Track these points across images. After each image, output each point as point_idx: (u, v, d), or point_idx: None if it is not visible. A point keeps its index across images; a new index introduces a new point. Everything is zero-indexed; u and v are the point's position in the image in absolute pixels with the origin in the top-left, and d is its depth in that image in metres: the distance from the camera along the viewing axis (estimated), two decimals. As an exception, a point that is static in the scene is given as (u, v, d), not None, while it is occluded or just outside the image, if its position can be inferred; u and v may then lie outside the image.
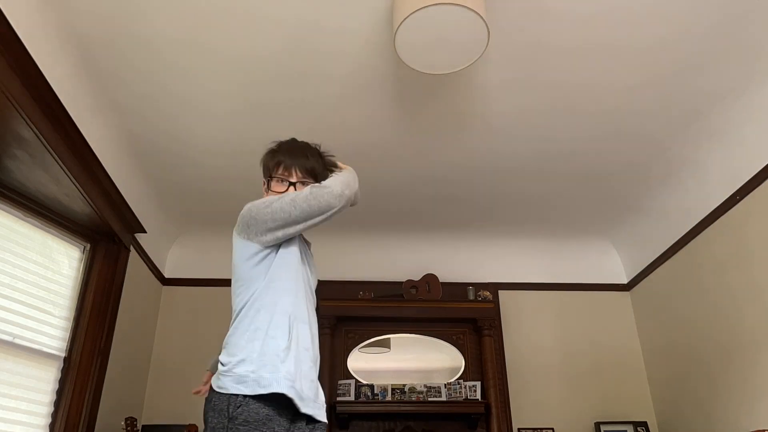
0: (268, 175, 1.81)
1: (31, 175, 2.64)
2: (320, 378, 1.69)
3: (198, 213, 3.90)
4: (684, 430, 3.59)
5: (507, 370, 4.01)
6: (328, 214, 1.64)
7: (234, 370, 1.50)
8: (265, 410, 1.46)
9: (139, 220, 3.40)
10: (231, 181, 3.50)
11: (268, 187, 1.80)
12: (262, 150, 3.34)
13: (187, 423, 3.62)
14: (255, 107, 2.88)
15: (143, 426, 3.58)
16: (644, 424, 3.83)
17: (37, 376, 2.77)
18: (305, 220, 1.63)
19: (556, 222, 4.06)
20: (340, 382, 3.75)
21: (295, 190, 1.73)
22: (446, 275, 4.20)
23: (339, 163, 1.86)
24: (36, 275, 2.82)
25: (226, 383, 1.49)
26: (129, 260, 3.45)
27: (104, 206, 3.02)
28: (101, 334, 3.11)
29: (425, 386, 3.76)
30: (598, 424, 3.81)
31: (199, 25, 2.39)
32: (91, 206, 2.91)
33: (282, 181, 1.76)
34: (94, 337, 3.06)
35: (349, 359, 3.92)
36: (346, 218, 3.93)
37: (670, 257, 3.77)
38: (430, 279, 4.12)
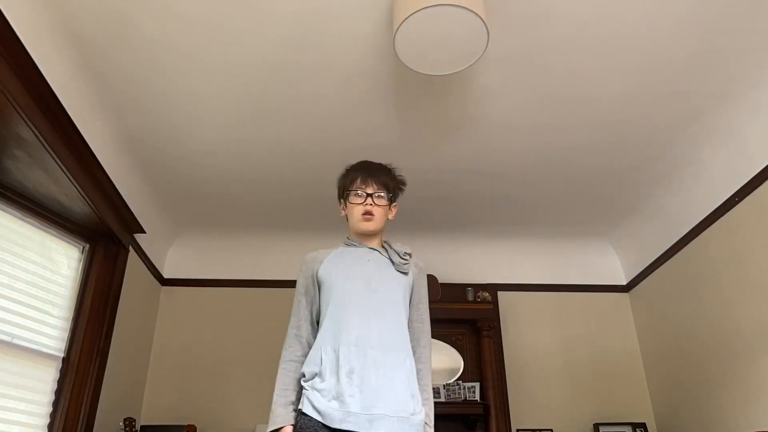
0: (344, 192, 1.95)
1: (30, 175, 2.64)
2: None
3: (197, 213, 3.90)
4: (682, 431, 3.59)
5: (506, 371, 4.01)
6: None
7: None
8: None
9: (138, 220, 3.39)
10: (230, 181, 3.50)
11: (346, 204, 1.94)
12: (261, 150, 3.34)
13: (186, 423, 3.62)
14: (254, 108, 2.88)
15: (142, 426, 3.58)
16: (643, 425, 3.83)
17: (36, 377, 2.77)
18: None
19: (555, 223, 4.06)
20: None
21: (373, 201, 1.88)
22: (445, 276, 4.20)
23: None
24: (35, 275, 2.82)
25: None
26: (128, 261, 3.45)
27: (103, 206, 3.02)
28: (100, 335, 3.10)
29: (424, 387, 3.75)
30: (597, 425, 3.81)
31: (198, 26, 2.38)
32: (90, 206, 2.91)
33: (359, 194, 1.90)
34: (93, 338, 3.06)
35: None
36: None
37: (669, 259, 3.77)
38: (429, 280, 4.11)
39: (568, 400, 3.96)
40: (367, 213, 1.88)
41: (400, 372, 1.66)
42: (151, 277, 3.96)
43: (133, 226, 3.38)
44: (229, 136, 3.09)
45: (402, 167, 3.36)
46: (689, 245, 3.55)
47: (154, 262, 3.93)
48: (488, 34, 2.06)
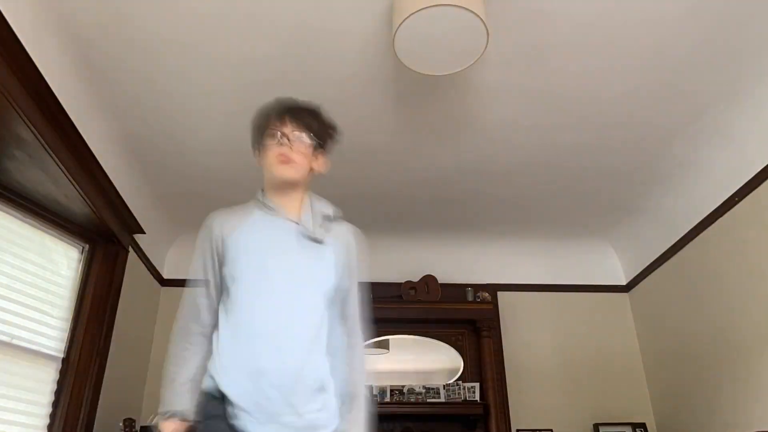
0: (258, 134, 1.65)
1: (29, 175, 2.64)
2: None
3: (197, 214, 3.86)
4: (682, 431, 3.59)
5: (506, 372, 4.00)
6: None
7: None
8: None
9: (138, 220, 3.39)
10: (229, 181, 3.49)
11: (260, 150, 1.64)
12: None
13: (186, 424, 3.62)
14: (253, 108, 2.86)
15: (142, 427, 3.57)
16: (643, 425, 3.83)
17: (36, 377, 2.76)
18: None
19: (555, 223, 4.06)
20: (338, 383, 3.75)
21: (290, 142, 1.56)
22: (445, 276, 4.20)
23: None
24: (34, 276, 2.81)
25: None
26: (128, 261, 3.44)
27: (103, 207, 3.02)
28: (100, 335, 3.10)
29: (424, 387, 3.76)
30: (596, 426, 3.81)
31: (197, 26, 2.38)
32: (90, 207, 2.91)
33: (273, 134, 1.59)
34: (92, 338, 3.06)
35: (347, 360, 3.92)
36: (345, 219, 3.93)
37: (669, 259, 3.77)
38: (428, 280, 4.12)
39: (567, 400, 3.96)
40: (283, 155, 1.54)
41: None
42: (151, 277, 3.96)
43: (133, 226, 3.38)
44: (229, 136, 3.08)
45: (400, 167, 3.41)
46: (689, 245, 3.54)
47: (153, 263, 3.93)
48: (488, 34, 2.06)
